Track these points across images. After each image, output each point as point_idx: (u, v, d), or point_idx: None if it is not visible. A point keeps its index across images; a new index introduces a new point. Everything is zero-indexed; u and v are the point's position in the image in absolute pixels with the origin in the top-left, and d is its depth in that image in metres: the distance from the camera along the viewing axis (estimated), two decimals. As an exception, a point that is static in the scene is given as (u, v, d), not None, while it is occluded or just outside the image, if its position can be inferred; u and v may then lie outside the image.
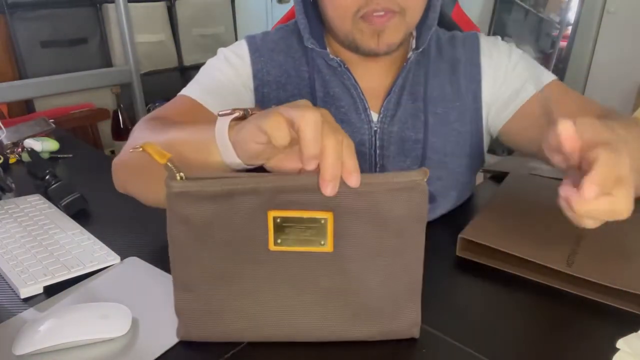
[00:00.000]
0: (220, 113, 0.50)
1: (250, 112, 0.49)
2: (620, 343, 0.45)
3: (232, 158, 0.48)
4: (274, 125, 0.41)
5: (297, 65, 0.75)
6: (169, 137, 0.55)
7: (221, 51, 0.76)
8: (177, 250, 0.45)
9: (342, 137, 0.41)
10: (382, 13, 0.63)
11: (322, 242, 0.43)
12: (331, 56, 0.70)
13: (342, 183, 0.41)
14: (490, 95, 0.75)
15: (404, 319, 0.47)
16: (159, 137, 0.56)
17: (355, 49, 0.69)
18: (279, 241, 0.44)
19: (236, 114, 0.48)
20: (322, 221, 0.43)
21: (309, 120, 0.39)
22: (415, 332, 0.48)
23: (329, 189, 0.40)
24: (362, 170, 0.42)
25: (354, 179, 0.41)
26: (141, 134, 0.61)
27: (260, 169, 0.47)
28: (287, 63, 0.75)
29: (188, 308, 0.47)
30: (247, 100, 0.73)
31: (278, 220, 0.43)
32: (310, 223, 0.43)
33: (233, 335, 0.47)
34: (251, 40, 0.76)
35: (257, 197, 0.43)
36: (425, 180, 0.43)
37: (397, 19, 0.65)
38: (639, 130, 0.55)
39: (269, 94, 0.73)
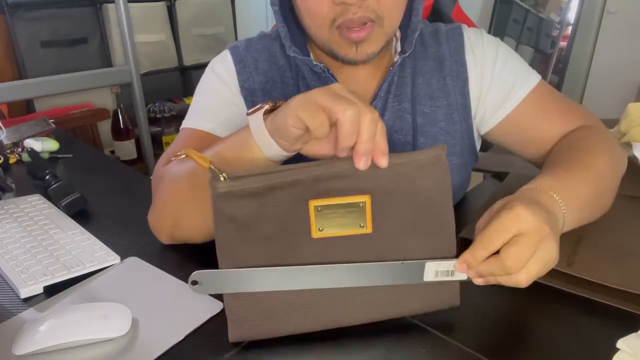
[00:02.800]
0: (249, 112, 0.52)
1: (278, 104, 0.50)
2: (620, 343, 0.45)
3: (273, 149, 0.50)
4: (312, 116, 0.44)
5: (282, 72, 0.74)
6: (206, 153, 0.55)
7: (210, 69, 0.76)
8: (225, 248, 0.46)
9: (377, 117, 0.44)
10: (358, 28, 0.62)
11: (362, 225, 0.46)
12: (314, 62, 0.69)
13: (374, 166, 0.45)
14: (478, 93, 0.74)
15: (445, 288, 0.50)
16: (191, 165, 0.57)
17: (334, 57, 0.68)
18: (320, 228, 0.45)
19: (265, 107, 0.50)
20: (361, 204, 0.45)
21: (348, 115, 0.43)
22: (456, 300, 0.51)
23: (362, 163, 0.44)
24: None
25: (384, 161, 0.45)
26: (172, 171, 0.62)
27: (296, 159, 0.48)
28: (271, 70, 0.74)
29: (239, 308, 0.46)
30: (242, 112, 0.73)
31: (319, 209, 0.45)
32: (349, 208, 0.45)
33: (287, 329, 0.47)
34: (234, 51, 0.75)
35: (296, 188, 0.45)
36: (444, 154, 0.48)
37: (374, 29, 0.63)
38: (589, 165, 0.59)
39: (257, 102, 0.72)
